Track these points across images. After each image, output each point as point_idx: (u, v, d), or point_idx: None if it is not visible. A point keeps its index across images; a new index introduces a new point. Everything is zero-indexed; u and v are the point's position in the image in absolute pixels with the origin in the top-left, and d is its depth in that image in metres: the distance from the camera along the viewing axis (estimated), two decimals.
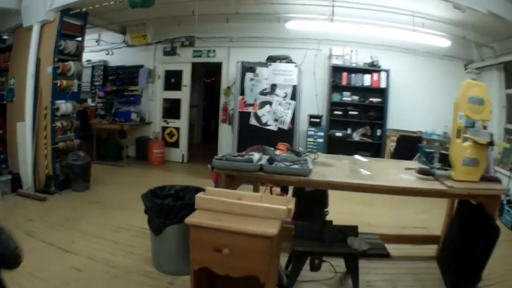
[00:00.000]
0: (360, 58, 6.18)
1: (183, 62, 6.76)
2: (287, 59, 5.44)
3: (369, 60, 6.11)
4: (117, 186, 5.12)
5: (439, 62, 6.14)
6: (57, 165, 4.68)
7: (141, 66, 7.16)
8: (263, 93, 5.27)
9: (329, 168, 2.50)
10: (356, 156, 3.09)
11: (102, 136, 7.10)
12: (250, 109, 5.27)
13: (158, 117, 7.05)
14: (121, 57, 7.56)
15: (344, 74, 6.09)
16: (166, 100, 7.10)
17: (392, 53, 6.18)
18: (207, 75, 10.12)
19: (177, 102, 6.98)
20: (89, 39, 8.02)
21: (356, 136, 6.15)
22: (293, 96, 5.27)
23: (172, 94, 6.98)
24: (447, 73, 6.06)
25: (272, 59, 5.38)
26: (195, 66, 6.92)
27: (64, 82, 4.70)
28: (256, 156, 2.29)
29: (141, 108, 7.17)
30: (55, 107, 4.58)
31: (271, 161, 2.27)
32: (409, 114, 6.17)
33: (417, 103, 6.15)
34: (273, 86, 5.27)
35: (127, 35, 7.29)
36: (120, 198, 4.52)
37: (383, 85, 6.03)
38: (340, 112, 6.09)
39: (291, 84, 5.26)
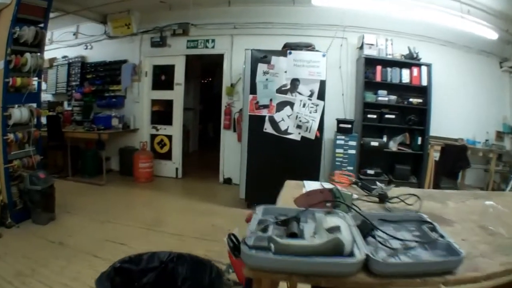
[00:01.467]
0: (396, 49, 4.94)
1: (176, 55, 5.48)
2: (310, 47, 4.18)
3: (406, 52, 4.88)
4: (90, 216, 3.81)
5: (476, 57, 5.09)
6: (13, 190, 3.49)
7: (125, 61, 5.87)
8: (281, 90, 4.00)
9: (451, 228, 1.24)
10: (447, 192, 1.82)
11: (80, 146, 5.78)
12: (264, 112, 4.00)
13: (146, 123, 5.75)
14: (101, 51, 6.30)
15: (378, 68, 4.83)
16: (155, 102, 5.79)
17: (428, 44, 5.00)
18: (204, 74, 8.83)
19: (168, 104, 5.68)
20: (66, 32, 6.82)
21: (393, 146, 4.89)
22: (321, 95, 4.02)
23: (163, 95, 5.68)
24: (483, 71, 5.07)
25: (290, 47, 4.12)
26: (190, 60, 5.64)
27: (18, 80, 3.47)
28: (327, 219, 1.00)
29: (124, 112, 5.87)
30: (6, 113, 3.34)
31: (365, 229, 1.00)
32: (451, 119, 5.01)
33: (457, 105, 5.02)
34: (295, 82, 4.00)
35: (108, 25, 6.01)
36: (91, 237, 3.25)
37: (424, 82, 4.79)
38: (374, 116, 4.82)
39: (318, 79, 4.00)
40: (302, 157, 4.05)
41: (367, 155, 4.77)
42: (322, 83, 4.02)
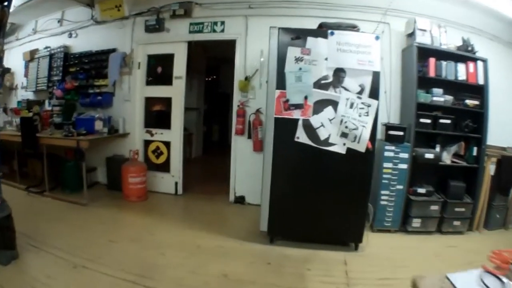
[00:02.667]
0: (450, 39, 3.86)
1: (175, 42, 4.37)
2: (354, 28, 3.06)
3: (460, 43, 3.82)
4: (62, 255, 2.73)
5: None
6: None
7: (113, 50, 4.78)
8: (320, 85, 2.88)
9: None
10: None
11: (60, 155, 4.70)
12: (296, 114, 2.88)
13: (138, 126, 4.64)
14: (87, 39, 5.24)
15: (431, 61, 3.72)
16: (149, 101, 4.67)
17: (480, 38, 3.98)
18: (209, 71, 7.72)
19: (166, 102, 4.56)
20: (50, 19, 5.75)
21: (447, 157, 3.78)
22: (374, 92, 2.90)
23: (159, 91, 4.56)
24: None
25: (329, 27, 3.00)
26: (193, 50, 4.52)
27: None
28: None
29: (112, 113, 4.77)
30: None
31: None
32: (510, 125, 3.97)
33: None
34: (339, 73, 2.88)
35: (96, 8, 4.94)
36: None
37: (480, 81, 3.72)
38: (428, 120, 3.71)
39: (370, 70, 2.88)
40: (347, 176, 2.96)
41: (420, 170, 3.68)
42: (376, 76, 2.90)
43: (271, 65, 2.89)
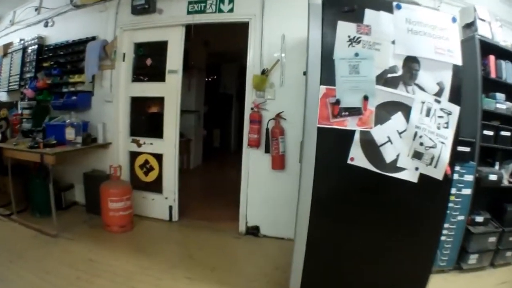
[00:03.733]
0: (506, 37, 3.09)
1: (170, 26, 3.40)
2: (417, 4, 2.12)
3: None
4: None
5: None
6: None
7: (94, 39, 3.82)
8: (386, 80, 1.92)
9: None
10: None
11: (31, 169, 3.76)
12: (350, 124, 1.90)
13: (123, 134, 3.66)
14: (65, 28, 4.31)
15: (491, 59, 2.87)
16: (136, 101, 3.68)
17: None
18: (208, 71, 6.75)
19: (157, 104, 3.58)
20: (28, 7, 4.85)
21: (505, 177, 2.92)
22: (456, 94, 1.95)
23: (148, 89, 3.57)
24: None
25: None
26: (192, 37, 3.53)
27: None
28: None
29: (90, 117, 3.81)
30: None
31: None
32: None
33: None
34: (411, 64, 1.93)
35: None
36: None
37: None
38: (490, 133, 2.85)
39: (450, 62, 1.94)
40: (416, 213, 2.02)
41: (482, 194, 2.84)
42: (457, 71, 1.95)
43: (311, 49, 1.92)
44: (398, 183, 1.95)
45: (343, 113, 1.91)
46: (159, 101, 3.42)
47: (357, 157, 1.93)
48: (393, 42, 1.92)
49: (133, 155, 3.64)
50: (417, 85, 1.94)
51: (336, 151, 1.95)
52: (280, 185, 3.09)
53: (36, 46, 4.55)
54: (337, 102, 1.90)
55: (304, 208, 2.02)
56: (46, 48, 4.45)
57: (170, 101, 3.35)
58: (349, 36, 1.90)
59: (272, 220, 3.20)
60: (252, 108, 3.01)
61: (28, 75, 4.64)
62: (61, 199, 3.86)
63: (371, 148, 1.92)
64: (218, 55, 7.04)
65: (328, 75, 1.91)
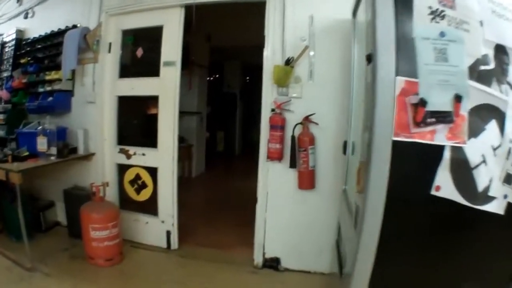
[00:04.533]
0: None
1: (166, 7, 2.69)
2: None
3: None
4: None
5: None
6: None
7: (74, 27, 3.14)
8: (479, 74, 1.24)
9: None
10: None
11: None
12: (439, 136, 1.22)
13: (108, 143, 2.96)
14: (46, 18, 3.69)
15: None
16: (125, 102, 2.97)
17: None
18: (210, 69, 6.06)
19: (150, 103, 2.89)
20: None
21: None
22: None
23: (139, 86, 2.83)
24: None
25: None
26: (192, 27, 2.84)
27: None
28: None
29: (70, 121, 3.13)
30: None
31: None
32: None
33: None
34: (500, 54, 1.27)
35: None
36: None
37: None
38: None
39: None
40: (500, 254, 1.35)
41: None
42: None
43: (380, 22, 1.24)
44: (485, 217, 1.29)
45: (429, 120, 1.22)
46: (153, 101, 2.71)
47: (444, 185, 1.25)
48: (481, 24, 1.25)
49: (122, 169, 2.95)
50: (510, 83, 1.27)
51: (415, 177, 1.27)
52: (307, 208, 2.41)
53: (14, 41, 3.89)
54: (422, 102, 1.21)
55: (367, 253, 1.35)
56: (24, 42, 3.80)
57: (166, 100, 2.64)
58: (430, 8, 1.24)
59: (296, 250, 2.52)
60: (272, 110, 2.31)
61: (5, 74, 3.99)
62: (40, 220, 3.20)
63: (462, 171, 1.25)
64: (221, 51, 6.37)
65: (406, 62, 1.23)
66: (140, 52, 2.75)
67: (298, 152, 2.27)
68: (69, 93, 3.16)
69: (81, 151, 2.96)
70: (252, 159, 7.36)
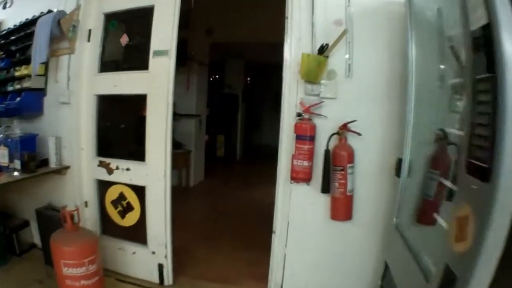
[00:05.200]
0: None
1: None
2: None
3: None
4: None
5: None
6: None
7: (49, 13, 2.56)
8: None
9: None
10: None
11: None
12: None
13: (87, 153, 2.37)
14: (23, 6, 3.08)
15: None
16: (105, 103, 2.38)
17: None
18: (210, 69, 5.47)
19: (137, 104, 2.30)
20: None
21: None
22: None
23: (123, 83, 2.23)
24: None
25: None
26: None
27: None
28: None
29: (41, 127, 2.54)
30: None
31: None
32: None
33: None
34: None
35: None
36: None
37: None
38: None
39: None
40: None
41: None
42: None
43: None
44: None
45: None
46: (140, 101, 2.13)
47: None
48: None
49: (103, 186, 2.37)
50: None
51: None
52: (341, 244, 1.85)
53: None
54: None
55: None
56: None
57: (156, 100, 2.06)
58: None
59: None
60: (299, 115, 1.74)
61: None
62: (13, 242, 2.65)
63: None
64: (223, 47, 5.83)
65: None
66: (125, 39, 2.17)
67: (333, 172, 1.70)
68: (41, 92, 2.58)
69: (53, 163, 2.38)
70: (254, 164, 6.81)
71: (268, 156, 8.89)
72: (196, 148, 4.97)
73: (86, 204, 2.45)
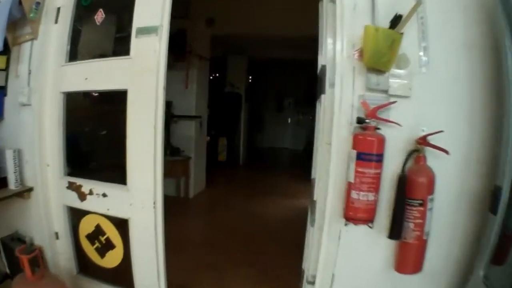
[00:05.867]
0: None
1: None
2: None
3: None
4: None
5: None
6: None
7: None
8: None
9: None
10: None
11: None
12: None
13: (53, 171, 1.79)
14: None
15: None
16: (76, 102, 1.80)
17: None
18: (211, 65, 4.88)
19: (115, 106, 1.70)
20: None
21: None
22: None
23: (96, 75, 1.61)
24: None
25: None
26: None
27: None
28: None
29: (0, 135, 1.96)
30: None
31: None
32: None
33: None
34: None
35: None
36: None
37: None
38: None
39: None
40: None
41: None
42: None
43: None
44: None
45: None
46: (118, 99, 1.52)
47: None
48: None
49: (75, 214, 1.80)
50: None
51: None
52: None
53: None
54: None
55: None
56: None
57: (140, 98, 1.46)
58: None
59: None
60: (360, 121, 1.16)
61: None
62: None
63: None
64: (224, 41, 5.27)
65: None
66: (101, 16, 1.60)
67: (407, 208, 1.13)
68: (0, 91, 2.02)
69: (12, 184, 1.80)
70: (259, 170, 6.20)
71: (273, 160, 8.30)
72: (196, 154, 4.39)
73: (56, 235, 1.88)
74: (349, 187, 1.14)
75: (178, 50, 3.78)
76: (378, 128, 1.13)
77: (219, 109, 6.37)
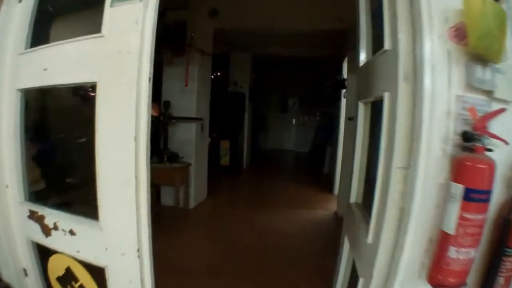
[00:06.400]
0: None
1: None
2: None
3: None
4: None
5: None
6: None
7: None
8: None
9: None
10: None
11: None
12: None
13: (13, 194, 1.37)
14: None
15: None
16: (37, 101, 1.38)
17: None
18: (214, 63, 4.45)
19: (85, 107, 1.19)
20: None
21: None
22: None
23: (58, 63, 1.14)
24: None
25: None
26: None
27: None
28: None
29: None
30: None
31: None
32: None
33: None
34: None
35: None
36: None
37: None
38: None
39: None
40: None
41: None
42: None
43: None
44: None
45: None
46: (91, 100, 1.08)
47: None
48: None
49: (43, 250, 1.38)
50: None
51: None
52: None
53: None
54: None
55: None
56: None
57: (115, 95, 1.00)
58: None
59: None
60: (467, 138, 0.72)
61: None
62: None
63: None
64: (227, 37, 4.88)
65: None
66: None
67: (502, 259, 0.73)
68: None
69: None
70: (264, 175, 5.76)
71: (278, 164, 7.84)
72: (197, 160, 3.97)
73: (25, 272, 1.47)
74: (446, 240, 0.72)
75: (177, 43, 3.38)
76: (490, 150, 0.72)
77: (221, 109, 5.96)
